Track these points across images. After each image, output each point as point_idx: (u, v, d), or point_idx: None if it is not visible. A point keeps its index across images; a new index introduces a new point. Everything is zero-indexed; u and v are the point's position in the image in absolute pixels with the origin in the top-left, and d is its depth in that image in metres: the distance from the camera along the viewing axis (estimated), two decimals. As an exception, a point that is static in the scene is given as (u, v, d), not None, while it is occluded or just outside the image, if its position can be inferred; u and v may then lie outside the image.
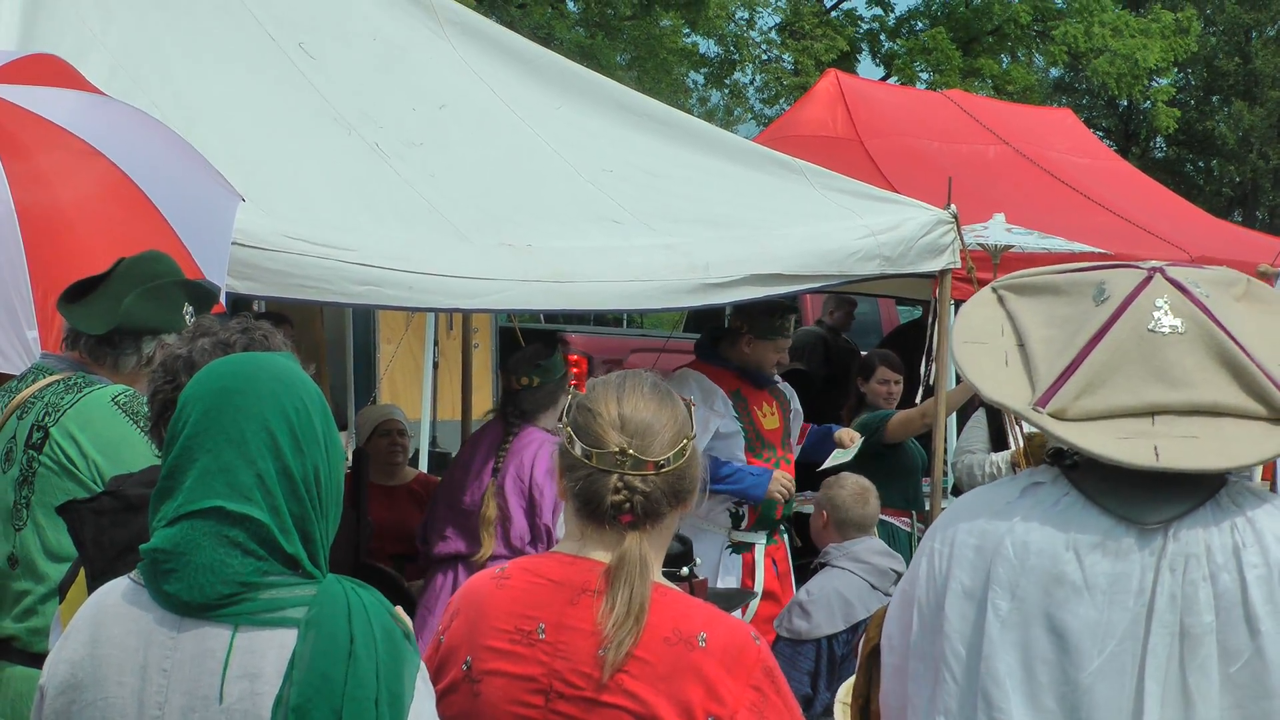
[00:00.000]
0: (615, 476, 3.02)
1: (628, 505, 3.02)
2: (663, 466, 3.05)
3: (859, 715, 3.30)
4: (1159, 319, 2.83)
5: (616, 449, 3.02)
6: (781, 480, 7.67)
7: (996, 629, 2.82)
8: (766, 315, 7.75)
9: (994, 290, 3.08)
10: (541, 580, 3.06)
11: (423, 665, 2.67)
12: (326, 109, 6.80)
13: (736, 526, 7.76)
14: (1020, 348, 2.95)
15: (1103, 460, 2.79)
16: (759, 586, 7.67)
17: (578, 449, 3.06)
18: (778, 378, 8.14)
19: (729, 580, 7.72)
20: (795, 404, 8.13)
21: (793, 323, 7.92)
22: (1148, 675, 2.76)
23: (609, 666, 2.93)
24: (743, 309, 7.72)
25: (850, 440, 8.11)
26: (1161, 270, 2.92)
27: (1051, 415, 2.83)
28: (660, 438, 3.06)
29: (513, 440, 6.96)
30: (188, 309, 4.33)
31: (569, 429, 3.09)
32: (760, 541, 7.81)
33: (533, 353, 7.29)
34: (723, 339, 7.98)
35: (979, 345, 2.98)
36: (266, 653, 2.54)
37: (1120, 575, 2.78)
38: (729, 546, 7.76)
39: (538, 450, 6.84)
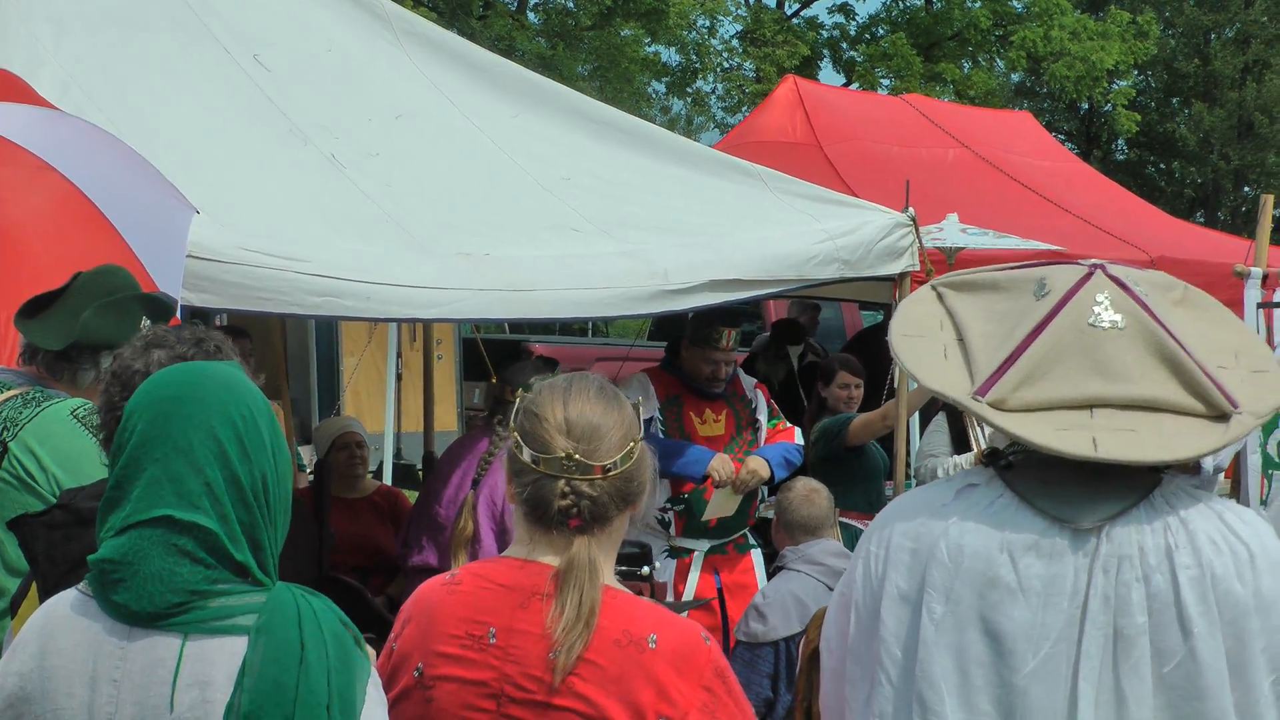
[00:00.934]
0: (562, 481, 3.02)
1: (575, 510, 3.02)
2: (610, 470, 3.05)
3: (803, 717, 3.31)
4: (1099, 314, 2.84)
5: (563, 454, 3.02)
6: (720, 464, 7.60)
7: (931, 632, 2.83)
8: (701, 324, 7.78)
9: (933, 288, 3.09)
10: (491, 585, 3.06)
11: (374, 671, 2.68)
12: (282, 121, 6.80)
13: (666, 531, 7.75)
14: (960, 342, 2.96)
15: (1041, 450, 2.79)
16: (688, 593, 7.65)
17: (525, 454, 3.06)
18: (743, 380, 8.10)
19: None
20: (761, 414, 8.07)
21: (728, 336, 7.82)
22: (1082, 677, 2.76)
23: (560, 670, 2.93)
24: (691, 317, 7.73)
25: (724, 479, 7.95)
26: (1102, 267, 2.94)
27: (991, 405, 2.83)
28: (607, 441, 3.06)
29: (496, 456, 6.92)
30: (145, 323, 4.33)
31: (516, 434, 3.09)
32: (700, 549, 7.77)
33: (533, 367, 7.28)
34: (677, 345, 8.01)
35: (918, 339, 2.98)
36: (217, 661, 2.54)
37: (1054, 577, 2.79)
38: (666, 550, 7.75)
39: None
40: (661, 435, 7.73)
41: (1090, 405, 2.81)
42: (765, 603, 6.21)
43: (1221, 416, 2.84)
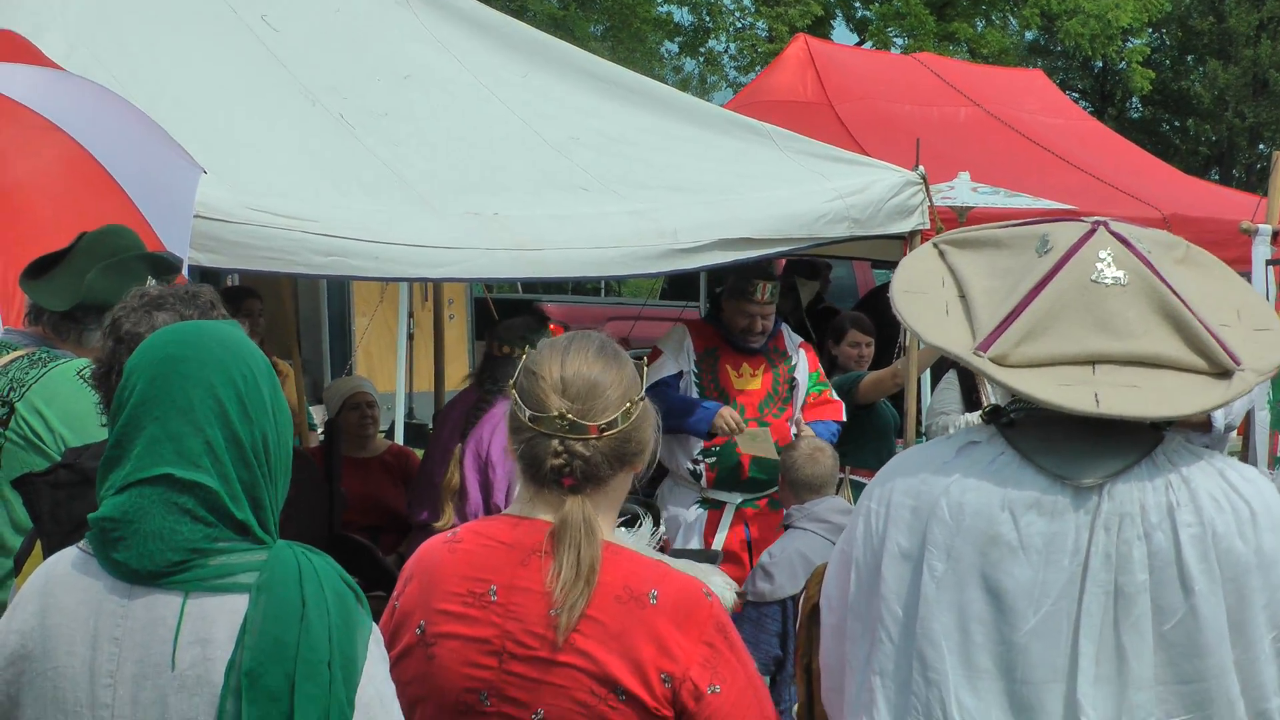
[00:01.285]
0: (556, 441, 3.02)
1: (568, 469, 3.02)
2: (606, 430, 3.04)
3: (803, 674, 3.30)
4: (1102, 270, 2.83)
5: (557, 413, 3.01)
6: (728, 415, 7.62)
7: (932, 589, 2.82)
8: (738, 276, 7.80)
9: (934, 245, 3.07)
10: (492, 542, 3.06)
11: (376, 628, 2.68)
12: (290, 81, 6.78)
13: (698, 483, 7.79)
14: (961, 299, 2.94)
15: (1043, 405, 2.78)
16: (716, 544, 7.70)
17: (523, 413, 3.05)
18: (787, 339, 8.11)
19: (691, 536, 7.77)
20: (800, 373, 8.08)
21: (764, 290, 7.83)
22: (1082, 634, 2.75)
23: (563, 630, 2.94)
24: (729, 271, 7.75)
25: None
26: (1105, 224, 2.92)
27: (993, 360, 2.82)
28: (603, 400, 3.05)
29: (484, 410, 6.96)
30: (151, 282, 4.32)
31: (514, 391, 3.09)
32: (733, 501, 7.82)
33: (523, 323, 7.29)
34: (719, 300, 8.06)
35: (919, 295, 2.97)
36: (218, 618, 2.55)
37: (1055, 535, 2.77)
38: (698, 502, 7.81)
39: (499, 424, 6.84)
40: (696, 387, 7.79)
41: (1092, 361, 2.79)
42: (772, 562, 6.21)
43: (1224, 373, 2.83)
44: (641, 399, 3.11)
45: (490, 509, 6.76)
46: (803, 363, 8.11)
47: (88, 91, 5.39)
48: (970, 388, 8.32)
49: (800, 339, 8.31)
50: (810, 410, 8.05)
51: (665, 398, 7.59)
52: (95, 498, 2.67)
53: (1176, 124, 47.40)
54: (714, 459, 7.78)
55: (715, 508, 7.83)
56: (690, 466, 7.79)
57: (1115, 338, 2.80)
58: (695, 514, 7.81)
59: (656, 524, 5.46)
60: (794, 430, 7.90)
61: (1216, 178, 42.31)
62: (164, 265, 4.47)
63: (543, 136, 7.26)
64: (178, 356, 2.63)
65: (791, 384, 8.01)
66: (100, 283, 4.35)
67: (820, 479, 6.42)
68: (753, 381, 7.89)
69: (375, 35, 7.44)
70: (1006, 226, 3.03)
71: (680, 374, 7.80)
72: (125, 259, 4.42)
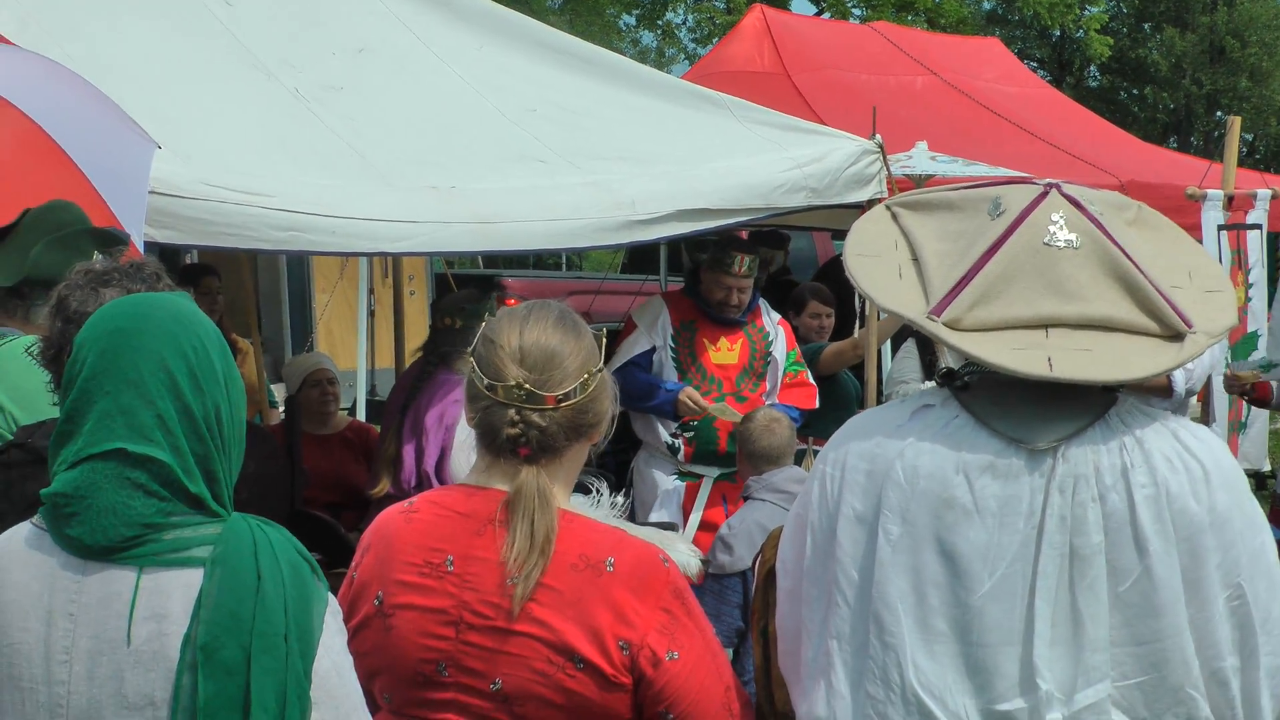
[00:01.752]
0: (512, 410, 3.01)
1: (524, 439, 3.01)
2: (564, 400, 3.03)
3: (760, 638, 3.30)
4: (1054, 233, 2.83)
5: (514, 383, 3.00)
6: (687, 397, 7.66)
7: (888, 553, 2.82)
8: (716, 247, 7.82)
9: (887, 208, 3.06)
10: (448, 512, 3.06)
11: (333, 600, 2.67)
12: (244, 55, 6.75)
13: (676, 457, 7.82)
14: (914, 262, 2.94)
15: (996, 369, 2.79)
16: (695, 516, 7.71)
17: (480, 381, 3.05)
18: (765, 315, 8.11)
19: (668, 507, 7.81)
20: (777, 350, 8.08)
21: (742, 262, 7.82)
22: (1038, 596, 2.76)
23: (518, 599, 2.93)
24: (707, 242, 7.75)
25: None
26: (1057, 186, 2.92)
27: (946, 325, 2.82)
28: (561, 370, 3.04)
29: (426, 381, 6.96)
30: (97, 257, 4.29)
31: (472, 359, 3.08)
32: (709, 475, 7.83)
33: (464, 295, 7.29)
34: (696, 272, 8.04)
35: (872, 258, 2.96)
36: (173, 593, 2.53)
37: (1010, 497, 2.78)
38: (676, 474, 7.84)
39: (435, 394, 6.83)
40: (673, 360, 7.81)
41: (1045, 325, 2.80)
42: (731, 533, 6.21)
43: (1175, 336, 2.84)
44: (599, 370, 3.11)
45: (420, 476, 6.77)
46: (780, 340, 8.11)
47: (40, 67, 5.35)
48: (930, 356, 8.34)
49: (779, 315, 8.31)
50: (785, 391, 8.05)
51: (632, 381, 7.60)
52: (48, 477, 2.65)
53: (1134, 92, 47.56)
54: (691, 434, 7.80)
55: (694, 479, 7.85)
56: (669, 440, 7.82)
57: (1068, 301, 2.80)
58: (673, 484, 7.85)
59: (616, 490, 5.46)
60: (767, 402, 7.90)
61: (1174, 145, 42.46)
62: (110, 239, 4.43)
63: (500, 109, 7.24)
64: (127, 329, 2.61)
65: (768, 359, 8.01)
66: (46, 258, 4.31)
67: (777, 450, 6.41)
68: (729, 355, 7.90)
69: (330, 10, 7.41)
70: (959, 189, 3.03)
71: (652, 349, 7.79)
72: (71, 233, 4.39)
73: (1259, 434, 9.96)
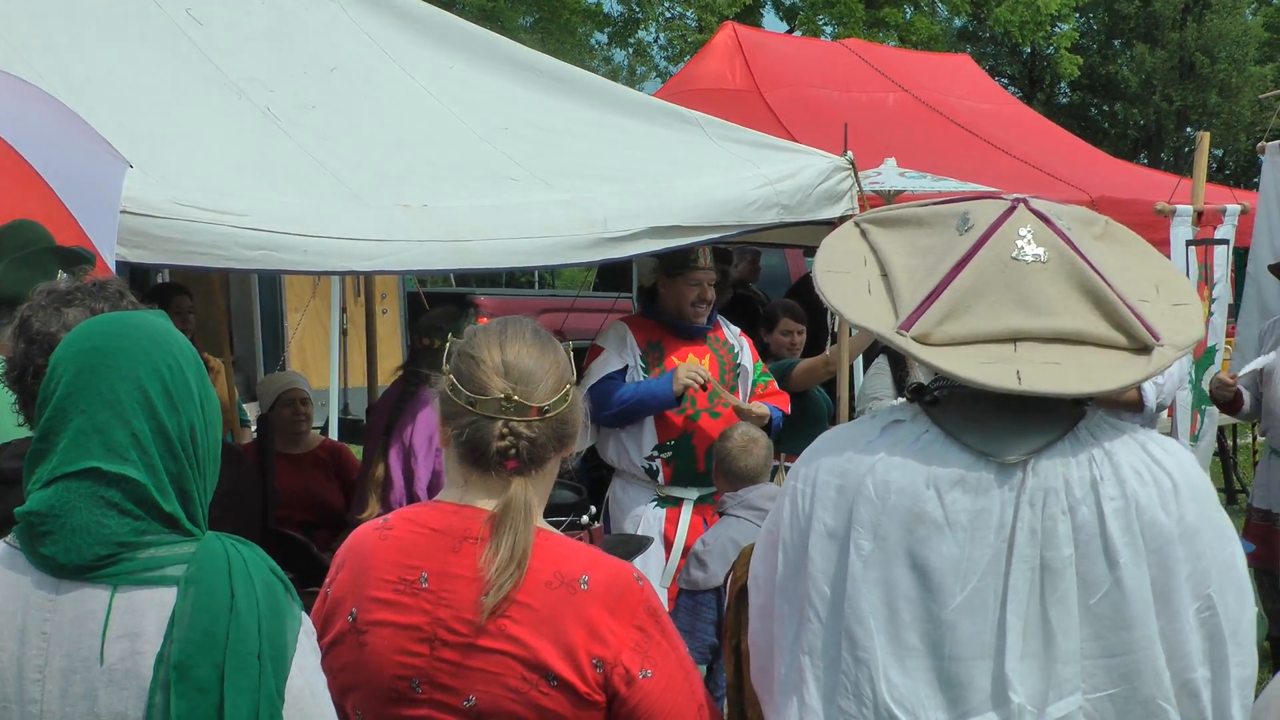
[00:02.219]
0: (500, 423, 3.04)
1: (513, 451, 3.04)
2: (546, 411, 3.07)
3: (732, 655, 3.32)
4: (1022, 247, 2.85)
5: (501, 395, 3.04)
6: (688, 371, 7.55)
7: (859, 568, 2.83)
8: (671, 254, 7.74)
9: (856, 224, 3.09)
10: (423, 529, 3.08)
11: (306, 619, 2.68)
12: (216, 74, 6.75)
13: (655, 480, 7.70)
14: (883, 277, 2.96)
15: (965, 383, 2.80)
16: (678, 543, 7.59)
17: (461, 396, 3.07)
18: (725, 328, 8.04)
19: (650, 534, 7.60)
20: (745, 360, 8.01)
21: (705, 254, 7.75)
22: (1009, 610, 2.77)
23: (487, 609, 2.95)
24: (661, 257, 7.71)
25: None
26: (1025, 201, 2.94)
27: (915, 339, 2.83)
28: (544, 383, 3.08)
29: (408, 401, 6.95)
30: (61, 276, 4.29)
31: (451, 376, 3.10)
32: (690, 497, 7.70)
33: (442, 314, 7.28)
34: (653, 290, 7.95)
35: (842, 274, 2.98)
36: (146, 612, 2.54)
37: (981, 511, 2.79)
38: (655, 500, 7.72)
39: (420, 415, 6.82)
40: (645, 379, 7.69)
41: (1014, 338, 2.82)
42: (705, 550, 6.22)
43: (1144, 349, 2.86)
44: (574, 382, 3.15)
45: (412, 499, 6.74)
46: (745, 350, 8.07)
47: (10, 87, 5.36)
48: (902, 372, 8.35)
49: (739, 329, 8.30)
50: (758, 401, 8.01)
51: (618, 390, 7.56)
52: (14, 498, 2.66)
53: (1105, 108, 47.79)
54: (669, 453, 7.69)
55: (673, 504, 7.72)
56: (645, 463, 7.70)
57: (1036, 315, 2.82)
58: (653, 511, 7.70)
59: (588, 511, 5.47)
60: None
61: (1145, 161, 42.64)
62: (74, 258, 4.43)
63: (471, 127, 7.25)
64: (103, 348, 2.62)
65: (737, 370, 7.96)
66: (9, 277, 4.31)
67: (754, 470, 6.42)
68: (700, 371, 7.82)
69: (301, 28, 7.41)
70: (927, 205, 3.05)
71: (625, 368, 7.72)
72: (35, 252, 4.39)
73: (1207, 447, 10.00)
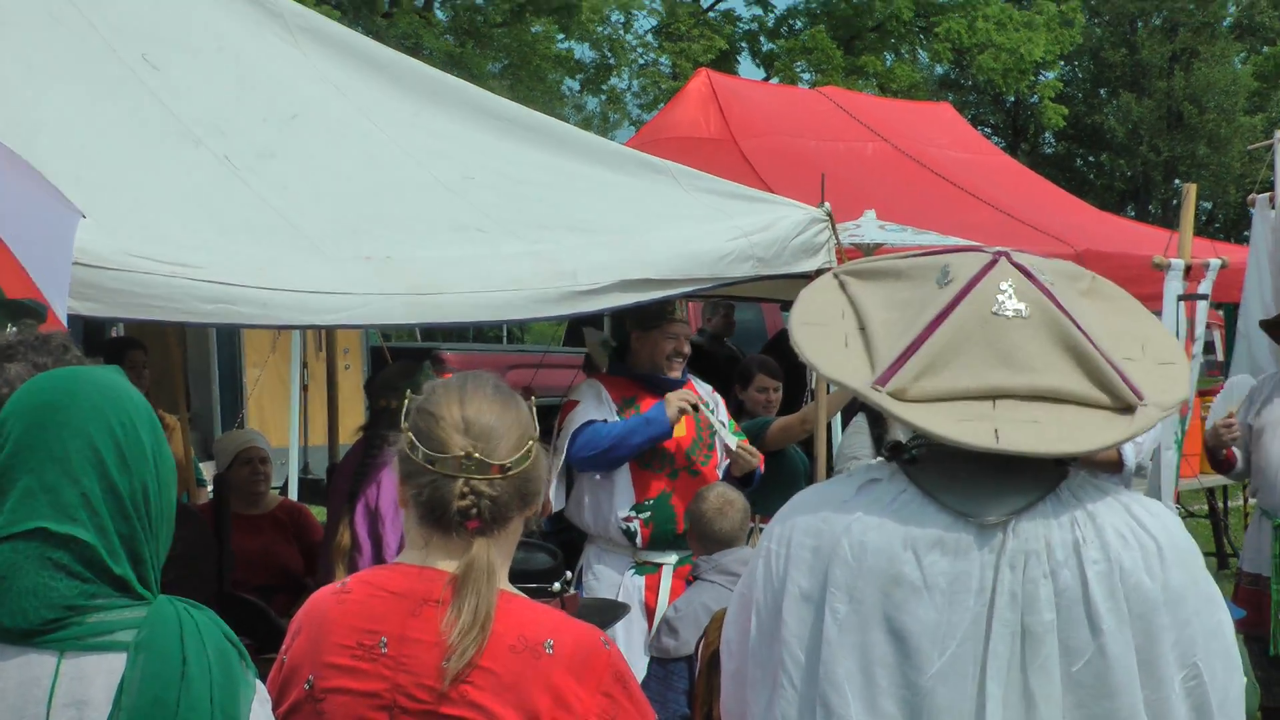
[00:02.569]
0: (460, 481, 3.04)
1: (474, 510, 3.04)
2: (509, 469, 3.08)
3: (704, 724, 3.32)
4: (1003, 302, 2.86)
5: (461, 453, 3.05)
6: (679, 397, 7.52)
7: (835, 632, 2.82)
8: (643, 309, 7.72)
9: (835, 276, 3.09)
10: (382, 592, 3.07)
11: (261, 688, 2.67)
12: (172, 122, 6.74)
13: (633, 543, 7.63)
14: (861, 331, 2.96)
15: (941, 441, 2.80)
16: (660, 609, 7.43)
17: (420, 455, 3.07)
18: (697, 385, 7.99)
19: (631, 603, 7.44)
20: (720, 415, 7.98)
21: (680, 305, 7.76)
22: (989, 676, 2.76)
23: (449, 675, 2.95)
24: (633, 309, 7.71)
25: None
26: (1007, 254, 2.95)
27: (891, 395, 2.83)
28: (505, 440, 3.09)
29: (371, 464, 6.92)
30: (10, 329, 4.28)
31: (410, 434, 3.10)
32: (669, 561, 7.61)
33: (397, 371, 7.27)
34: (624, 347, 7.95)
35: (818, 327, 2.99)
36: (94, 679, 2.53)
37: (960, 574, 2.79)
38: (633, 567, 7.65)
39: (385, 479, 6.79)
40: None
41: (993, 396, 2.82)
42: (677, 616, 6.19)
43: (1127, 408, 2.86)
44: (537, 439, 3.15)
45: (383, 564, 6.70)
46: (721, 407, 8.07)
47: (-41, 134, 5.35)
48: (881, 430, 8.33)
49: (710, 385, 8.29)
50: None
51: (602, 431, 7.53)
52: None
53: (1091, 159, 48.03)
54: (648, 514, 7.62)
55: (652, 570, 7.64)
56: (623, 525, 7.62)
57: (1016, 371, 2.82)
58: (633, 580, 7.62)
59: (562, 578, 5.44)
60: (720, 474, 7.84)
61: (1132, 213, 42.85)
62: (22, 311, 4.42)
63: (437, 176, 7.25)
64: (54, 404, 2.62)
65: (713, 428, 7.95)
66: None
67: (728, 533, 6.41)
68: (678, 428, 7.77)
69: (261, 74, 7.41)
70: (908, 257, 3.06)
71: (605, 421, 7.68)
72: (-20, 306, 4.38)
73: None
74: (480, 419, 3.09)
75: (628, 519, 7.64)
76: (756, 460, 7.78)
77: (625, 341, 8.02)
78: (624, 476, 7.66)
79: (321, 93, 7.50)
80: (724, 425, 7.93)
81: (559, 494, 7.68)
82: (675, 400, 7.55)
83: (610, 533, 7.67)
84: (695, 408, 7.59)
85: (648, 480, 7.66)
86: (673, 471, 7.69)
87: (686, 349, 7.87)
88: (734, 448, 7.73)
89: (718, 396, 8.13)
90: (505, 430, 3.10)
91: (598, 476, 7.64)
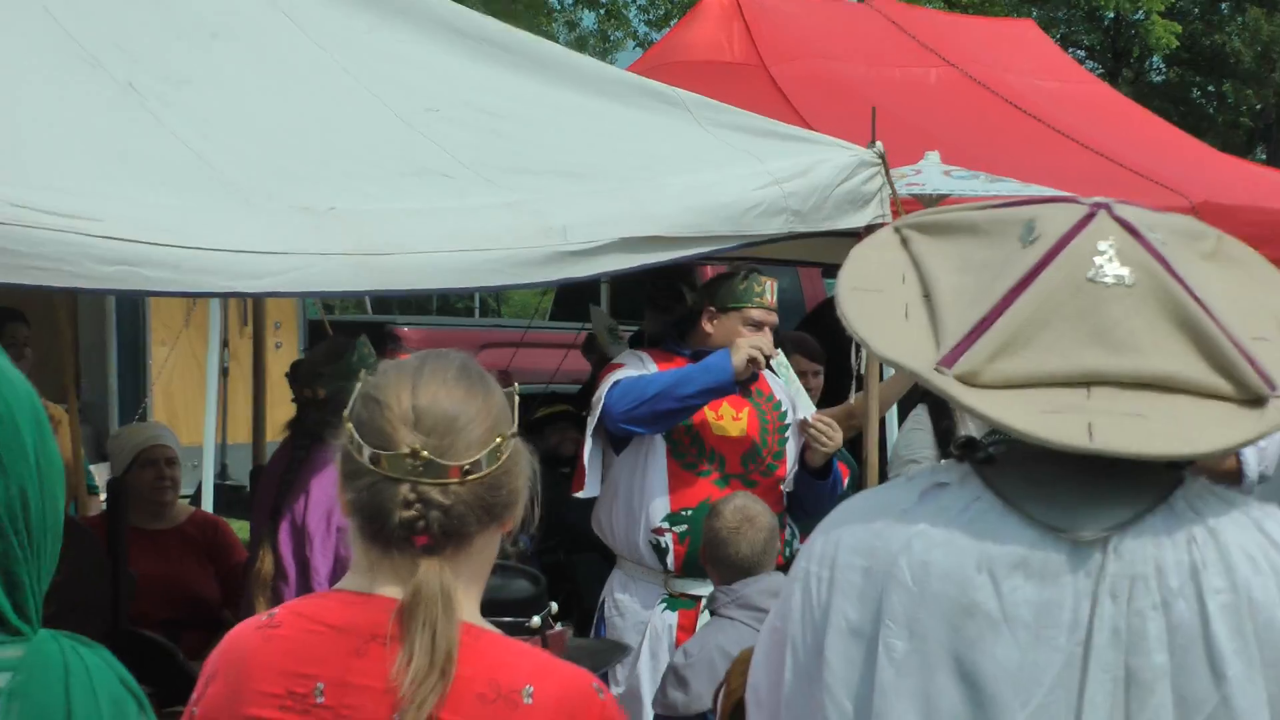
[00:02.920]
0: (406, 486, 3.00)
1: (421, 523, 3.00)
2: (470, 473, 3.03)
3: (723, 790, 3.30)
4: (1101, 266, 2.83)
5: (408, 450, 3.01)
6: (748, 346, 7.49)
7: (890, 676, 2.80)
8: (726, 280, 7.73)
9: (896, 230, 3.05)
10: (319, 626, 3.04)
11: (167, 746, 2.67)
12: (66, 41, 6.74)
13: (664, 565, 7.56)
14: (925, 299, 2.93)
15: (1019, 437, 2.78)
16: None
17: (362, 451, 3.04)
18: (773, 380, 8.00)
19: (659, 649, 7.51)
20: (797, 411, 7.95)
21: (770, 287, 7.78)
22: None
23: None
24: (706, 283, 7.66)
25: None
26: (1108, 207, 2.92)
27: (959, 379, 2.81)
28: (466, 435, 3.05)
29: (298, 470, 6.90)
30: None
31: (351, 426, 3.07)
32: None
33: (322, 353, 7.25)
34: (685, 322, 7.93)
35: (873, 294, 2.95)
36: (-41, 733, 2.53)
37: (1048, 604, 2.76)
38: (664, 600, 7.60)
39: (313, 485, 6.76)
40: (664, 435, 7.62)
41: (1087, 382, 2.79)
42: (687, 663, 6.15)
43: (1255, 401, 2.82)
44: (513, 436, 3.11)
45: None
46: (800, 407, 8.01)
47: None
48: (947, 425, 8.32)
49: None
50: None
51: (650, 378, 7.50)
52: None
53: (1210, 89, 47.92)
54: (684, 526, 7.54)
55: (687, 606, 7.56)
56: (652, 538, 7.56)
57: (1116, 352, 2.80)
58: (664, 618, 7.56)
59: (545, 606, 5.43)
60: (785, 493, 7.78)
61: (1263, 156, 42.80)
62: None
63: (393, 109, 7.25)
64: (-92, 392, 2.61)
65: (783, 432, 7.91)
66: None
67: (751, 560, 6.33)
68: (735, 426, 7.75)
69: (175, -18, 7.41)
70: (985, 208, 3.03)
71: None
72: None
73: None
74: (435, 408, 3.04)
75: (659, 530, 7.58)
76: (835, 440, 7.70)
77: (686, 314, 7.97)
78: (659, 472, 7.61)
79: (250, 6, 7.49)
80: (801, 392, 7.90)
81: (592, 478, 7.61)
82: (745, 346, 7.50)
83: (639, 549, 7.63)
84: (768, 362, 7.52)
85: (689, 482, 7.60)
86: (723, 476, 7.64)
87: (771, 349, 7.77)
88: (809, 419, 7.65)
89: (799, 386, 8.06)
90: (467, 423, 3.05)
91: (637, 463, 7.57)
